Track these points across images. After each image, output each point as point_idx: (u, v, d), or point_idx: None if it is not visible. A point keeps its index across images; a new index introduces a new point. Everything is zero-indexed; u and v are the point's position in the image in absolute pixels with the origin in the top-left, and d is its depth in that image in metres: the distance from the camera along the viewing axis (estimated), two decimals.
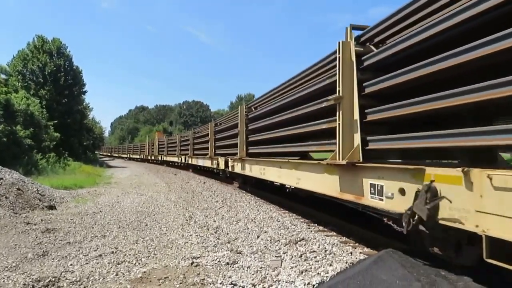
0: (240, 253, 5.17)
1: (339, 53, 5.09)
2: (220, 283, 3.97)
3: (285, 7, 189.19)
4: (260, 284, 3.93)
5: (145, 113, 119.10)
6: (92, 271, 4.39)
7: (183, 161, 23.32)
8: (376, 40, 5.03)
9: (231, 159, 12.18)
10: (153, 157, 36.23)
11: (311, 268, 4.43)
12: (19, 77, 30.24)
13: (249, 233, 6.39)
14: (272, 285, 3.90)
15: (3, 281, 4.04)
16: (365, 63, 4.98)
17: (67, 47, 33.89)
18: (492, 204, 2.90)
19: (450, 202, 3.29)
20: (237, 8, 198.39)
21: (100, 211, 8.84)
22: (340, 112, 5.07)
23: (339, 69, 5.09)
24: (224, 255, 5.03)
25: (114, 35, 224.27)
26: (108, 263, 4.71)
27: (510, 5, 3.02)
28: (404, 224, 3.74)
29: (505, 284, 3.67)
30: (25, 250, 5.36)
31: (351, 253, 4.99)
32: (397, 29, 4.58)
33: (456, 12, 3.50)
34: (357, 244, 5.48)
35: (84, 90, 35.92)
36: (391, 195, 4.12)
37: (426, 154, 5.28)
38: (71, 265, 4.65)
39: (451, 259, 3.82)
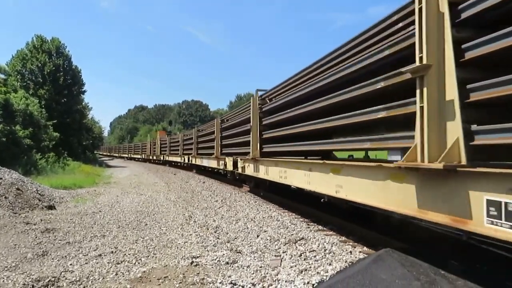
0: (240, 253, 5.17)
1: (420, 3, 3.59)
2: (220, 283, 3.98)
3: (284, 6, 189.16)
4: (259, 284, 3.93)
5: (145, 113, 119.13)
6: (91, 270, 4.39)
7: (186, 161, 22.17)
8: None
9: (241, 159, 11.05)
10: (155, 157, 35.35)
11: (310, 267, 4.44)
12: (18, 76, 30.17)
13: (249, 233, 6.39)
14: (271, 285, 3.91)
15: (3, 281, 4.04)
16: (464, 14, 3.36)
17: (66, 46, 33.87)
18: None
19: None
20: (237, 8, 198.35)
21: (100, 211, 8.84)
22: (425, 89, 3.50)
23: (420, 25, 3.58)
24: (223, 254, 5.04)
25: (113, 35, 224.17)
26: (108, 262, 4.71)
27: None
28: None
29: (505, 284, 3.67)
30: (24, 250, 5.35)
31: (350, 252, 5.00)
32: None
33: None
34: (356, 243, 5.48)
35: (83, 89, 35.87)
36: None
37: None
38: (70, 265, 4.65)
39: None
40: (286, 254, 5.03)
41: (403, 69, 3.81)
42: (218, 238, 6.07)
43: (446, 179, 3.29)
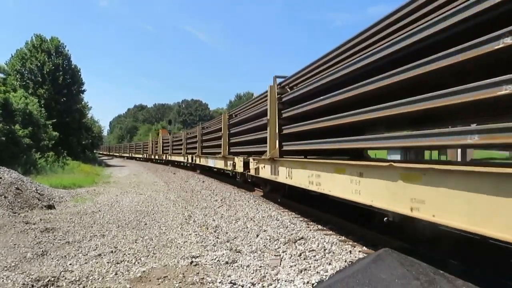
0: (240, 252, 5.17)
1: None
2: (220, 282, 3.98)
3: (283, 6, 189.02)
4: (259, 283, 3.94)
5: (144, 112, 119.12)
6: (91, 270, 4.39)
7: (190, 161, 20.73)
8: None
9: (254, 159, 9.79)
10: (157, 157, 34.22)
11: (310, 267, 4.44)
12: (17, 76, 30.15)
13: (248, 232, 6.40)
14: (271, 284, 3.91)
15: (2, 280, 4.03)
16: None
17: (65, 46, 33.85)
18: None
19: None
20: (236, 8, 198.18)
21: (99, 211, 8.84)
22: None
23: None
24: (223, 254, 5.04)
25: (112, 34, 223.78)
26: (108, 262, 4.71)
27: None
28: None
29: (504, 283, 3.68)
30: (24, 249, 5.35)
31: (350, 252, 5.00)
32: None
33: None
34: (356, 243, 5.49)
35: (82, 89, 35.84)
36: None
37: None
38: (70, 264, 4.65)
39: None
40: (286, 254, 5.03)
41: None
42: (217, 237, 6.07)
43: None
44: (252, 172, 9.88)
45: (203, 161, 17.83)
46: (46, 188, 11.47)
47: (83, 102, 37.88)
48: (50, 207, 9.25)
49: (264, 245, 5.51)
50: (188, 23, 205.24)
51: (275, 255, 4.99)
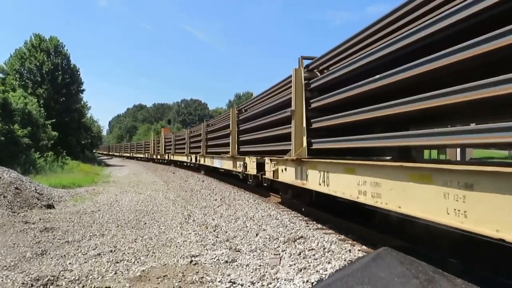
0: (239, 251, 5.18)
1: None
2: (219, 281, 3.98)
3: (283, 5, 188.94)
4: (259, 282, 3.94)
5: (143, 112, 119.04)
6: (91, 270, 4.38)
7: (193, 161, 19.36)
8: None
9: (271, 160, 8.38)
10: (159, 156, 33.07)
11: (309, 266, 4.44)
12: (16, 76, 30.12)
13: (248, 231, 6.40)
14: (271, 283, 3.91)
15: (2, 280, 4.03)
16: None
17: (64, 45, 33.81)
18: None
19: None
20: (236, 7, 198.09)
21: (99, 210, 8.83)
22: None
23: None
24: (223, 253, 5.04)
25: (112, 34, 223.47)
26: (107, 261, 4.70)
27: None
28: None
29: (503, 282, 3.68)
30: (23, 249, 5.35)
31: (349, 250, 5.00)
32: None
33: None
34: (355, 242, 5.49)
35: (82, 88, 35.81)
36: None
37: None
38: (69, 264, 4.64)
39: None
40: (285, 253, 5.03)
41: None
42: (217, 237, 6.07)
43: None
44: (269, 175, 8.52)
45: (208, 161, 16.60)
46: (45, 188, 11.47)
47: (82, 102, 37.89)
48: (50, 206, 9.25)
49: (264, 244, 5.51)
50: (187, 23, 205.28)
51: (274, 254, 4.99)
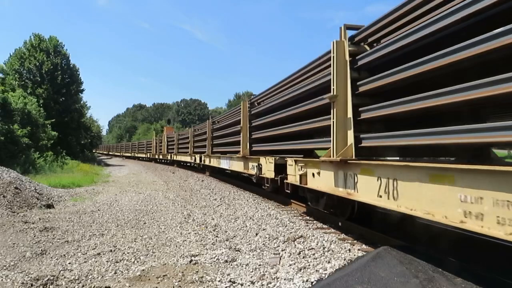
0: (239, 251, 5.18)
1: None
2: (219, 281, 3.98)
3: (281, 4, 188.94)
4: (258, 282, 3.94)
5: (143, 112, 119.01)
6: (90, 269, 4.38)
7: (198, 161, 18.23)
8: None
9: (296, 161, 6.98)
10: (161, 156, 31.86)
11: (309, 265, 4.44)
12: (16, 75, 30.09)
13: (248, 231, 6.40)
14: (270, 283, 3.91)
15: (2, 280, 4.03)
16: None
17: (64, 45, 33.80)
18: None
19: None
20: (233, 6, 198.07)
21: (98, 210, 8.83)
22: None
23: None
24: (222, 253, 5.04)
25: (111, 33, 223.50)
26: (107, 261, 4.71)
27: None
28: None
29: (503, 281, 3.69)
30: (23, 249, 5.35)
31: (349, 250, 5.00)
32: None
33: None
34: (355, 241, 5.49)
35: (81, 88, 35.78)
36: None
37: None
38: (69, 263, 4.64)
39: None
40: (285, 252, 5.03)
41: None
42: (217, 236, 6.07)
43: None
44: (292, 179, 7.15)
45: (214, 162, 15.30)
46: (45, 188, 11.47)
47: (82, 102, 37.91)
48: (49, 206, 9.25)
49: (264, 244, 5.51)
50: (185, 22, 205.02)
51: (274, 254, 4.99)
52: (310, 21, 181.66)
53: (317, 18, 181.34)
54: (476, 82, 3.22)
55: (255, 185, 10.67)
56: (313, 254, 4.87)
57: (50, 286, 3.89)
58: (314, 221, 7.06)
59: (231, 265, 4.56)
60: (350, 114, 5.18)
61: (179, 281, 4.02)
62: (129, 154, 51.79)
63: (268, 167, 8.59)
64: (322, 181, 5.91)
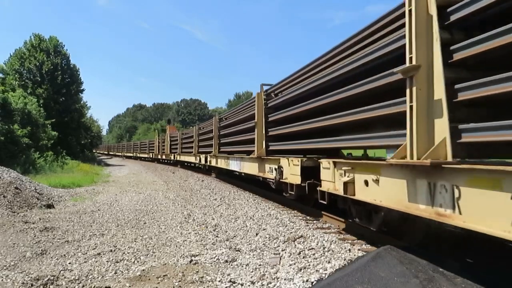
0: (239, 251, 5.18)
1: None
2: (219, 281, 3.98)
3: (281, 4, 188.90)
4: (258, 282, 3.94)
5: (143, 112, 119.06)
6: (90, 269, 4.39)
7: (203, 162, 17.05)
8: None
9: (336, 163, 5.41)
10: (164, 156, 30.47)
11: (309, 265, 4.44)
12: (16, 75, 30.11)
13: (248, 231, 6.40)
14: (270, 283, 3.91)
15: (2, 280, 4.03)
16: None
17: (64, 45, 33.83)
18: None
19: None
20: (233, 6, 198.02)
21: (99, 210, 8.83)
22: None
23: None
24: (222, 252, 5.04)
25: (111, 33, 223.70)
26: (107, 261, 4.71)
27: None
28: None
29: (502, 280, 3.69)
30: (23, 249, 5.35)
31: (349, 250, 5.00)
32: None
33: None
34: (355, 241, 5.49)
35: (81, 88, 35.82)
36: None
37: None
38: (69, 263, 4.65)
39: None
40: (285, 252, 5.04)
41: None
42: (217, 236, 6.07)
43: None
44: (330, 187, 5.60)
45: (221, 163, 13.86)
46: (45, 188, 11.47)
47: (82, 102, 37.92)
48: (49, 206, 9.25)
49: (264, 244, 5.51)
50: (185, 22, 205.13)
51: (274, 254, 4.99)
52: (310, 21, 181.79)
53: (317, 18, 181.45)
54: None
55: (272, 190, 9.28)
56: (313, 254, 4.87)
57: (51, 286, 3.89)
58: (314, 221, 7.06)
59: (231, 265, 4.56)
60: (441, 93, 3.49)
61: (179, 281, 4.02)
62: (131, 154, 50.72)
63: (292, 170, 7.07)
64: (384, 192, 4.29)
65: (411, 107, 3.72)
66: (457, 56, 3.51)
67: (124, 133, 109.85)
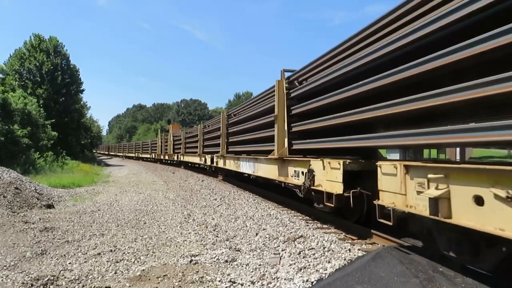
0: (239, 251, 5.18)
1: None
2: (219, 281, 3.98)
3: (281, 5, 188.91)
4: (259, 282, 3.94)
5: (143, 112, 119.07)
6: (90, 269, 4.38)
7: (208, 162, 15.85)
8: None
9: (429, 171, 3.65)
10: (167, 157, 29.54)
11: (309, 265, 4.44)
12: (16, 76, 30.08)
13: (248, 231, 6.40)
14: (270, 283, 3.91)
15: (2, 280, 4.03)
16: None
17: (64, 45, 33.79)
18: None
19: None
20: (232, 6, 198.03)
21: (99, 210, 8.83)
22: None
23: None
24: (222, 252, 5.04)
25: (111, 33, 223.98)
26: (107, 261, 4.71)
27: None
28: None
29: (502, 280, 3.68)
30: (23, 249, 5.35)
31: (349, 250, 5.00)
32: None
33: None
34: (355, 241, 5.49)
35: (81, 88, 35.77)
36: None
37: None
38: (69, 263, 4.64)
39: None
40: (285, 252, 5.03)
41: None
42: (217, 236, 6.07)
43: None
44: (399, 202, 4.13)
45: (230, 164, 12.40)
46: (45, 188, 11.47)
47: (82, 102, 37.92)
48: (49, 206, 9.25)
49: (264, 244, 5.51)
50: (184, 22, 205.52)
51: (274, 254, 4.99)
52: (310, 21, 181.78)
53: (317, 18, 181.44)
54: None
55: (297, 198, 7.51)
56: (313, 254, 4.87)
57: (51, 286, 3.89)
58: (314, 221, 7.06)
59: (231, 265, 4.56)
60: None
61: (179, 281, 4.02)
62: (133, 155, 49.61)
63: (328, 175, 5.61)
64: None
65: None
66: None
67: (124, 133, 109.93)
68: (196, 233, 6.31)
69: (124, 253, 5.11)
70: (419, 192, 3.75)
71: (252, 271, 4.28)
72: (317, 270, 4.24)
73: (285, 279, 3.98)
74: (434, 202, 3.47)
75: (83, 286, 3.90)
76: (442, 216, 3.42)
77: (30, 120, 21.18)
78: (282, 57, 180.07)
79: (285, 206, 8.86)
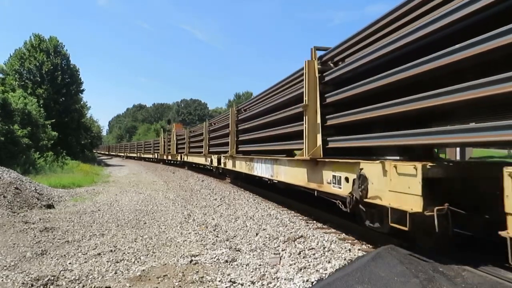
0: (239, 251, 5.18)
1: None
2: (219, 281, 3.98)
3: (281, 4, 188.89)
4: (259, 282, 3.94)
5: (143, 112, 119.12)
6: (91, 269, 4.38)
7: (215, 163, 14.59)
8: None
9: None
10: (170, 157, 28.38)
11: (309, 265, 4.44)
12: (16, 76, 30.08)
13: (248, 231, 6.40)
14: (271, 283, 3.91)
15: (2, 280, 4.03)
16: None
17: (64, 45, 33.80)
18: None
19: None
20: (233, 6, 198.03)
21: (99, 210, 8.83)
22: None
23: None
24: (223, 252, 5.04)
25: (111, 33, 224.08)
26: (107, 261, 4.71)
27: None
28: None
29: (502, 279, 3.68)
30: (23, 249, 5.35)
31: (349, 250, 5.00)
32: None
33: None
34: (355, 241, 5.50)
35: (81, 88, 35.78)
36: None
37: None
38: (70, 263, 4.64)
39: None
40: (285, 252, 5.03)
41: None
42: (217, 236, 6.07)
43: None
44: None
45: (241, 166, 10.99)
46: (45, 188, 11.47)
47: (82, 102, 37.90)
48: (50, 206, 9.25)
49: (264, 244, 5.51)
50: (184, 22, 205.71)
51: (274, 254, 4.99)
52: (310, 21, 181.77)
53: (317, 18, 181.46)
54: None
55: (339, 212, 5.66)
56: (313, 254, 4.87)
57: (51, 286, 3.89)
58: (314, 221, 7.06)
59: (232, 265, 4.56)
60: None
61: (179, 281, 4.02)
62: (134, 155, 48.40)
63: (394, 184, 4.11)
64: None
65: None
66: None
67: (124, 133, 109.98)
68: (196, 233, 6.31)
69: (124, 253, 5.11)
70: None
71: (252, 271, 4.28)
72: (317, 270, 4.24)
73: (285, 279, 3.98)
74: None
75: (83, 286, 3.90)
76: None
77: (30, 120, 21.18)
78: (282, 57, 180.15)
79: (285, 206, 8.86)
